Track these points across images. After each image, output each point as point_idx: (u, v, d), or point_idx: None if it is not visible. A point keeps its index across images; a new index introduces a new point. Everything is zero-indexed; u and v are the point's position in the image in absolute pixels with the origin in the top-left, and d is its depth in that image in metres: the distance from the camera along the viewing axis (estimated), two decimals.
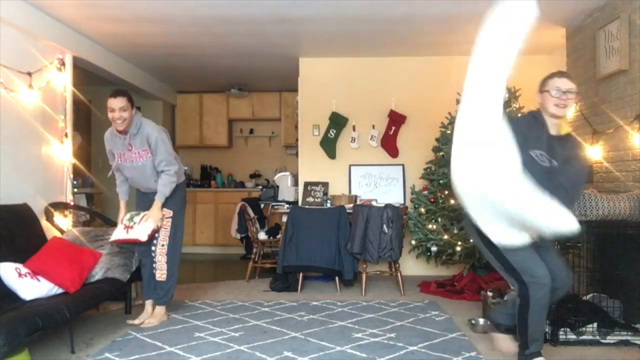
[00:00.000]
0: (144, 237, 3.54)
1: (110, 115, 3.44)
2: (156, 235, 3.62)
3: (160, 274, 3.65)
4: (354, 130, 5.83)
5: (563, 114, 2.71)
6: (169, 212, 3.64)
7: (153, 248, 3.65)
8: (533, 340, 2.67)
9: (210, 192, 7.66)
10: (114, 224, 4.28)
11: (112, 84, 6.20)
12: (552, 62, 5.56)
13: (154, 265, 3.67)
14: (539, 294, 2.58)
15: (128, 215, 3.66)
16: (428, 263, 5.34)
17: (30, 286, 3.06)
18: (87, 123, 7.29)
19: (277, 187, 6.23)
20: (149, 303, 3.74)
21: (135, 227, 3.57)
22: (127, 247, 3.79)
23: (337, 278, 4.82)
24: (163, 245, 3.64)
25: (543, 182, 2.46)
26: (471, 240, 2.95)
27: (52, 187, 4.40)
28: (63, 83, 4.51)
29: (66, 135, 4.52)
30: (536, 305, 2.60)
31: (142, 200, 3.79)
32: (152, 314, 3.72)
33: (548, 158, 2.65)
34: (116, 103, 3.41)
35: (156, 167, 3.58)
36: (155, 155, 3.54)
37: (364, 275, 4.69)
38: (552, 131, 2.71)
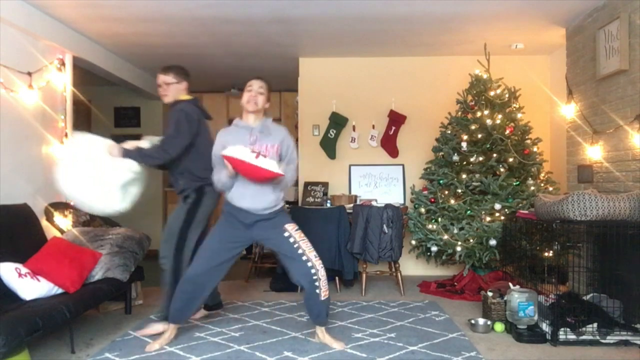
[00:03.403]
0: (276, 170, 2.92)
1: (246, 95, 3.19)
2: (299, 251, 3.09)
3: (325, 291, 3.12)
4: (354, 130, 5.83)
5: None
6: (295, 225, 3.22)
7: (309, 264, 3.07)
8: None
9: None
10: (114, 224, 4.28)
11: (112, 84, 6.21)
12: (552, 62, 5.58)
13: (315, 283, 3.09)
14: None
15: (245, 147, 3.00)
16: (428, 263, 5.35)
17: (30, 286, 3.05)
18: (87, 123, 7.30)
19: None
20: None
21: (261, 159, 2.91)
22: (128, 248, 3.78)
23: (337, 278, 4.82)
24: (315, 256, 3.14)
25: None
26: None
27: (52, 187, 4.37)
28: (63, 83, 4.51)
29: (66, 135, 4.53)
30: None
31: (233, 217, 3.16)
32: (325, 338, 3.24)
33: None
34: (256, 83, 3.24)
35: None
36: (293, 160, 3.21)
37: (364, 275, 4.69)
38: None
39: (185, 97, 3.58)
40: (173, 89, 3.54)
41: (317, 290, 3.07)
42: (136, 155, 3.32)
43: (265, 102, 3.24)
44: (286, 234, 3.12)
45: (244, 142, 3.04)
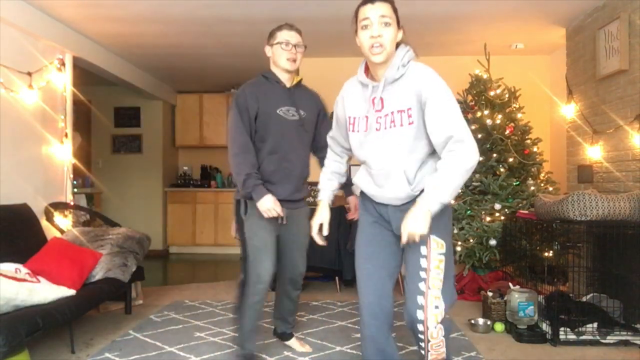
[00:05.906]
0: None
1: (363, 35, 2.01)
2: (420, 284, 1.96)
3: (434, 356, 2.07)
4: None
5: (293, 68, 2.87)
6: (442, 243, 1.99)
7: (419, 315, 1.94)
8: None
9: (210, 192, 7.65)
10: (114, 224, 4.29)
11: (112, 84, 6.21)
12: (552, 62, 5.58)
13: (420, 343, 1.99)
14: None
15: None
16: None
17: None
18: (87, 123, 7.30)
19: None
20: None
21: None
22: (128, 246, 3.77)
23: (337, 278, 4.82)
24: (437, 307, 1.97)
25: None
26: None
27: (52, 187, 4.40)
28: (63, 83, 4.51)
29: (66, 135, 4.53)
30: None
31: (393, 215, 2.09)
32: None
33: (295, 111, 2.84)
34: (373, 9, 2.07)
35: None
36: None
37: None
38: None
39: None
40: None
41: (422, 352, 2.00)
42: None
43: (395, 36, 2.03)
44: (424, 252, 1.97)
45: (365, 111, 2.00)
